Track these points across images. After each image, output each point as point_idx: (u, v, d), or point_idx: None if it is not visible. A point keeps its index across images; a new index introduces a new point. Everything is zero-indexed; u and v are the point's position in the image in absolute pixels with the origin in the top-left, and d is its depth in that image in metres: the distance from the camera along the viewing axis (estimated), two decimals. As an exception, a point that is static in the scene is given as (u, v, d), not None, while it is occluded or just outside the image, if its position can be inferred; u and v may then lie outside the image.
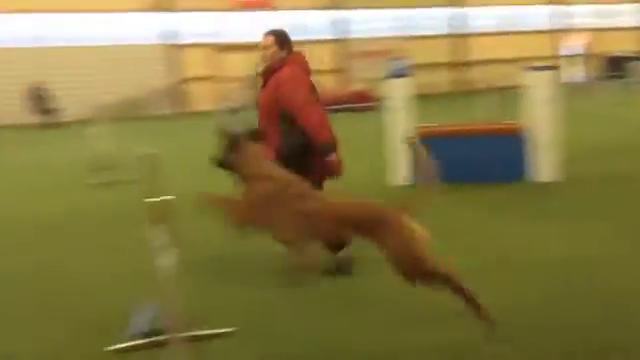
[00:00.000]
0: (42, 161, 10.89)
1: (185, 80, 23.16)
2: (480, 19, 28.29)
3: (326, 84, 18.75)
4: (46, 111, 18.59)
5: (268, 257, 4.04)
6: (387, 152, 6.89)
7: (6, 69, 20.60)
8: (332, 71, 25.49)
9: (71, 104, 20.24)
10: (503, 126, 7.08)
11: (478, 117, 13.55)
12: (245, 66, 23.35)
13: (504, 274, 3.72)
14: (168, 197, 2.26)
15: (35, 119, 18.56)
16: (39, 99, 18.60)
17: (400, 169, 6.71)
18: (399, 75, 6.82)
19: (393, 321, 3.12)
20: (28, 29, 21.19)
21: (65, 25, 21.75)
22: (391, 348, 2.83)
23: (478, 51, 27.66)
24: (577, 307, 3.17)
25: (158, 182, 2.58)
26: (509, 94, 13.99)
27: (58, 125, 18.39)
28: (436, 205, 5.47)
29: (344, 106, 17.08)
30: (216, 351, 2.91)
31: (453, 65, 27.86)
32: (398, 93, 6.76)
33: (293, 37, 4.08)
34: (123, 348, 2.96)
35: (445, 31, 27.85)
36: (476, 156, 6.48)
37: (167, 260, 2.20)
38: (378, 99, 16.80)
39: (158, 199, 2.29)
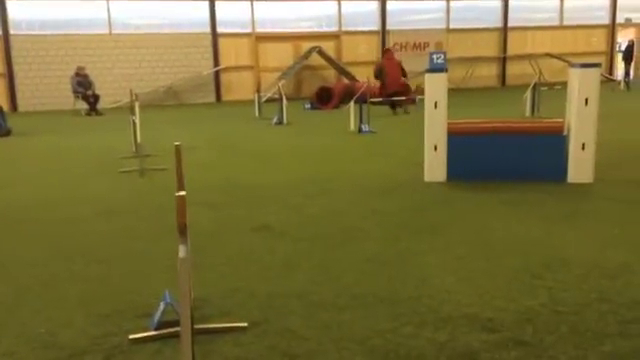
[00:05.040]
0: (81, 147, 11.06)
1: (225, 69, 23.37)
2: (534, 12, 27.30)
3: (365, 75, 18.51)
4: (88, 97, 18.90)
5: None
6: (424, 147, 6.71)
7: (58, 55, 21.17)
8: (373, 62, 25.18)
9: (113, 91, 20.76)
10: (539, 124, 6.84)
11: (521, 113, 13.25)
12: (281, 56, 23.18)
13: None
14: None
15: (82, 105, 18.99)
16: (81, 85, 18.94)
17: (438, 165, 6.57)
18: (437, 69, 6.60)
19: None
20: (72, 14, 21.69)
21: (109, 11, 22.12)
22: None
23: (530, 45, 26.78)
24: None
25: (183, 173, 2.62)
26: (557, 90, 13.61)
27: (100, 112, 18.72)
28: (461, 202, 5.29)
29: (382, 99, 16.87)
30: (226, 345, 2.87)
31: (501, 59, 27.07)
32: (436, 87, 6.59)
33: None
34: (142, 338, 2.96)
35: (493, 24, 27.00)
36: (508, 154, 6.42)
37: (183, 251, 2.23)
38: (416, 92, 16.57)
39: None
